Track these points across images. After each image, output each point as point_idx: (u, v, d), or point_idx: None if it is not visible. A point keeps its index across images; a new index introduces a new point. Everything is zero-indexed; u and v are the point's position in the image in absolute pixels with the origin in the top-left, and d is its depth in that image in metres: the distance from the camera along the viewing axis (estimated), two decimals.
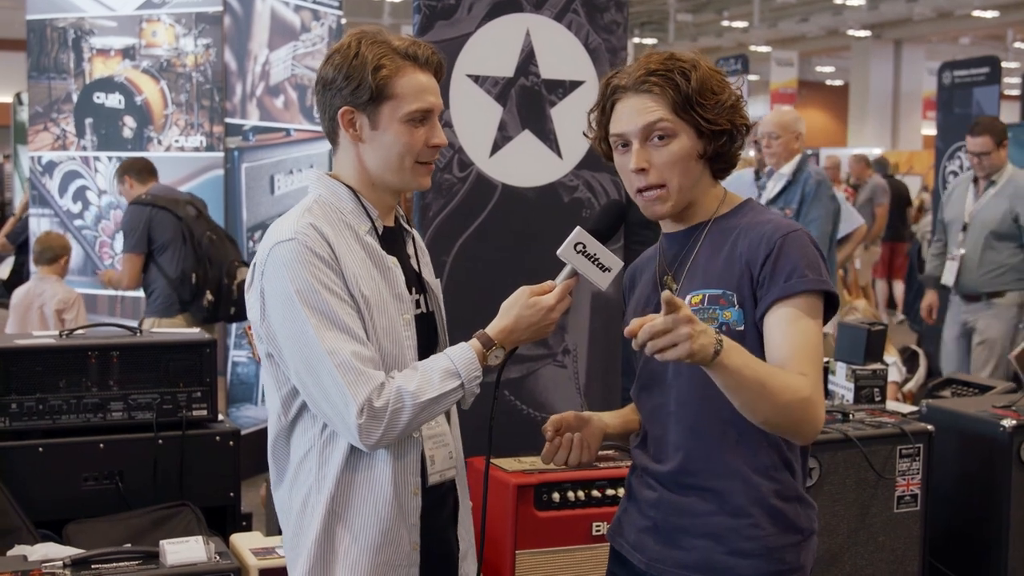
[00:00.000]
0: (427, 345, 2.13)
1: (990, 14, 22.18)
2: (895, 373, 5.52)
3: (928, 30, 24.66)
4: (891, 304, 12.34)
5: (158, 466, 3.28)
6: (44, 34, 6.44)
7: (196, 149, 6.11)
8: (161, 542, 2.66)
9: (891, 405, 3.81)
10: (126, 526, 3.16)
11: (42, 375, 3.22)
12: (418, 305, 2.15)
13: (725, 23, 26.37)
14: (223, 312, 5.44)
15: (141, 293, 5.70)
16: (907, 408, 3.89)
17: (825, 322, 1.99)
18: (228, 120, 6.05)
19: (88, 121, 6.36)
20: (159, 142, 6.19)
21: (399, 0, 23.27)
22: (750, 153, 8.20)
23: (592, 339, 3.74)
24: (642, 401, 2.13)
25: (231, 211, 6.09)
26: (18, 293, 6.28)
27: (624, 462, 3.18)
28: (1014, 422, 3.49)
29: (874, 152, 17.76)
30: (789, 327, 1.91)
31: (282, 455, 2.11)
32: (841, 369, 3.74)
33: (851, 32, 25.22)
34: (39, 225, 6.57)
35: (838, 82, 32.86)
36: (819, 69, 32.06)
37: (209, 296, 5.35)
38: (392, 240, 2.15)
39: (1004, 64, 10.40)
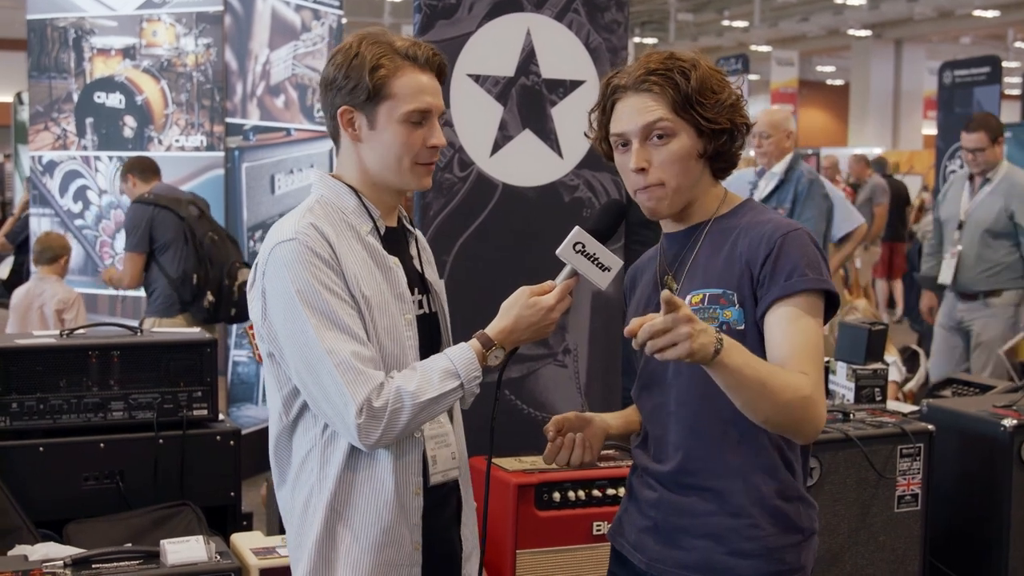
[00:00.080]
0: (430, 346, 2.12)
1: (991, 13, 22.18)
2: (895, 373, 5.51)
3: (929, 29, 24.67)
4: (891, 304, 12.34)
5: (159, 466, 3.28)
6: (45, 34, 6.44)
7: (196, 149, 6.11)
8: (162, 542, 2.66)
9: (892, 405, 3.80)
10: (127, 526, 3.16)
11: (43, 375, 3.22)
12: (420, 306, 2.15)
13: (726, 22, 26.38)
14: (223, 313, 5.44)
15: (141, 293, 5.70)
16: (908, 408, 3.88)
17: (825, 321, 1.98)
18: (229, 120, 6.06)
19: (89, 121, 6.36)
20: (159, 142, 6.19)
21: (400, 0, 23.27)
22: (750, 153, 8.20)
23: (592, 339, 3.74)
24: (642, 401, 2.13)
25: (231, 211, 6.09)
26: (18, 293, 6.28)
27: (625, 462, 3.18)
28: (1015, 422, 3.49)
29: (875, 152, 17.77)
30: (790, 326, 1.91)
31: (284, 455, 2.11)
32: (842, 369, 3.74)
33: (852, 32, 25.22)
34: (39, 225, 6.57)
35: (839, 82, 32.86)
36: (820, 69, 32.06)
37: (210, 297, 5.35)
38: (395, 240, 2.15)
39: (1005, 64, 10.40)
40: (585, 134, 2.14)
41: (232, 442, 3.39)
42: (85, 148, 6.38)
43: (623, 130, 2.01)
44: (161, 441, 3.29)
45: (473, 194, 3.57)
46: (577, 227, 2.03)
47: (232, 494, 3.42)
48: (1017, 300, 5.63)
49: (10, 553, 2.78)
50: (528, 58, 3.60)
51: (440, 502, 2.15)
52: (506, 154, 3.60)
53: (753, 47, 26.10)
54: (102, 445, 3.24)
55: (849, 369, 3.71)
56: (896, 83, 26.05)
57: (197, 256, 5.35)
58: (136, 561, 2.61)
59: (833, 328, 4.40)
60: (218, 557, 2.65)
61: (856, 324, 3.82)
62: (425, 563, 2.10)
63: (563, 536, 3.18)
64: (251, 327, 3.64)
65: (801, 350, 1.89)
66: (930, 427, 3.49)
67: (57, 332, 3.45)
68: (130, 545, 2.74)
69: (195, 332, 3.69)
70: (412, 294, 2.13)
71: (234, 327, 6.00)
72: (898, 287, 12.14)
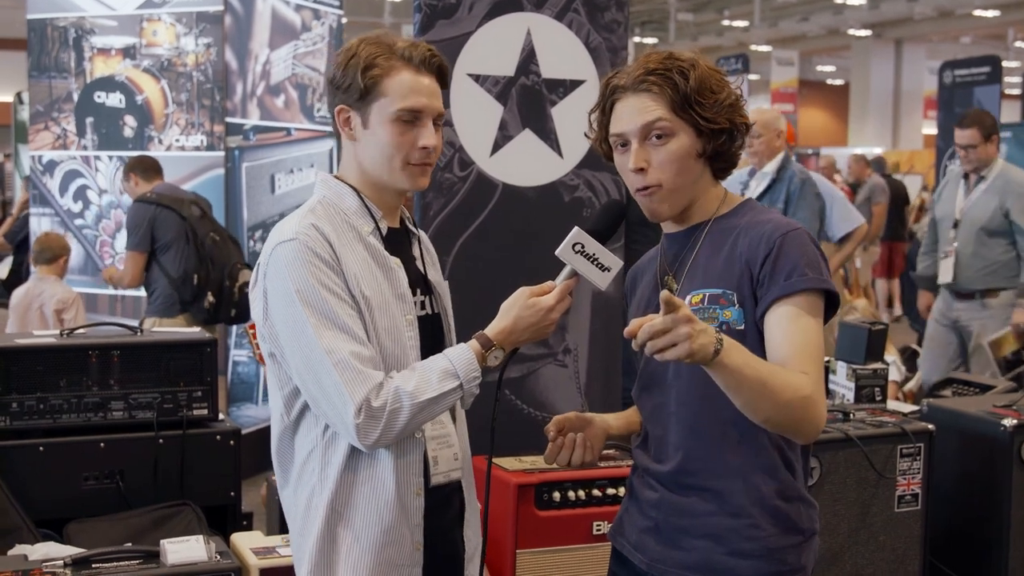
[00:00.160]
0: (432, 347, 2.12)
1: (991, 13, 22.17)
2: (895, 372, 5.51)
3: (929, 29, 24.66)
4: (892, 303, 12.34)
5: (159, 465, 3.28)
6: (45, 33, 6.44)
7: (197, 148, 6.11)
8: (162, 541, 2.66)
9: (892, 404, 3.80)
10: (126, 525, 3.16)
11: (43, 374, 3.21)
12: (423, 306, 2.15)
13: (726, 22, 26.37)
14: (224, 314, 5.44)
15: (141, 292, 5.70)
16: (908, 407, 3.89)
17: (826, 321, 1.98)
18: (229, 119, 6.06)
19: (89, 120, 6.36)
20: (160, 141, 6.20)
21: (400, 0, 23.26)
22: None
23: (593, 339, 3.74)
24: (643, 401, 2.13)
25: (232, 210, 6.09)
26: (17, 293, 6.28)
27: (625, 461, 3.18)
28: (1015, 421, 3.49)
29: (875, 151, 17.77)
30: (790, 325, 1.91)
31: (286, 455, 2.11)
32: (842, 368, 3.74)
33: (852, 31, 25.22)
34: (39, 224, 6.57)
35: (839, 81, 32.85)
36: (820, 68, 32.06)
37: (210, 298, 5.35)
38: (397, 241, 2.15)
39: (1005, 63, 10.41)
40: (585, 135, 2.14)
41: (232, 442, 3.39)
42: (85, 148, 6.38)
43: (622, 130, 2.01)
44: (161, 441, 3.29)
45: (473, 194, 3.57)
46: (576, 227, 2.03)
47: (232, 494, 3.42)
48: (1014, 299, 5.61)
49: (10, 553, 2.78)
50: (528, 58, 3.60)
51: (442, 502, 2.15)
52: (506, 154, 3.60)
53: (753, 47, 26.09)
54: (102, 445, 3.24)
55: (849, 369, 3.71)
56: (896, 83, 26.05)
57: (198, 256, 5.35)
58: (136, 561, 2.61)
59: (833, 328, 4.40)
60: (218, 557, 2.65)
61: (856, 324, 3.82)
62: (427, 563, 2.10)
63: (563, 536, 3.17)
64: (251, 327, 3.64)
65: (801, 350, 1.89)
66: (930, 427, 3.49)
67: (57, 332, 3.45)
68: (130, 545, 2.74)
69: (195, 332, 3.69)
70: (414, 295, 2.12)
71: (234, 327, 6.00)
72: (896, 286, 12.15)
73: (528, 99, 3.61)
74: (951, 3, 21.96)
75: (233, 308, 5.41)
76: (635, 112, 1.99)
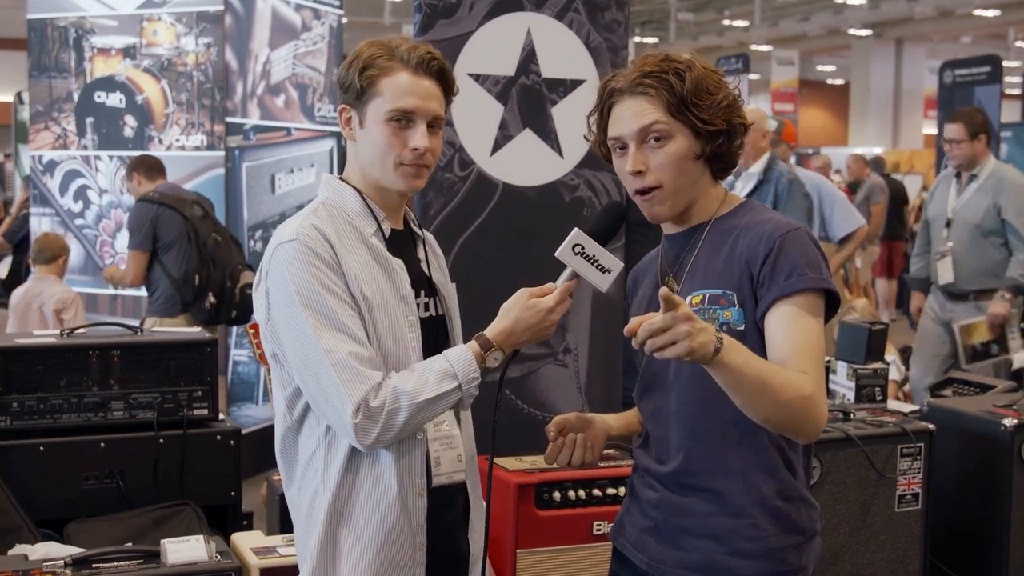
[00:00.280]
0: (436, 348, 2.11)
1: (991, 13, 22.16)
2: (895, 372, 5.50)
3: (929, 29, 24.65)
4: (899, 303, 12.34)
5: (159, 465, 3.28)
6: (45, 33, 6.44)
7: (197, 148, 6.11)
8: (162, 541, 2.66)
9: (892, 404, 3.80)
10: (127, 525, 3.16)
11: (43, 374, 3.21)
12: (426, 308, 2.15)
13: (726, 22, 26.36)
14: (224, 315, 5.44)
15: (142, 292, 5.70)
16: (908, 407, 3.89)
17: (826, 321, 1.98)
18: (229, 119, 6.06)
19: (89, 120, 6.36)
20: (160, 141, 6.20)
21: (400, 0, 23.26)
22: None
23: (593, 338, 3.74)
24: (644, 402, 2.13)
25: (232, 210, 6.09)
26: (17, 293, 6.29)
27: (625, 461, 3.18)
28: (1015, 421, 3.49)
29: (875, 151, 17.77)
30: (790, 325, 1.91)
31: (290, 455, 2.12)
32: (842, 368, 3.74)
33: (852, 31, 25.20)
34: (40, 224, 6.57)
35: (839, 81, 32.85)
36: (820, 68, 32.05)
37: (211, 298, 5.34)
38: (401, 243, 2.15)
39: (1005, 63, 10.42)
40: (585, 137, 2.14)
41: (232, 442, 3.39)
42: (85, 148, 6.38)
43: (619, 133, 2.02)
44: (161, 441, 3.29)
45: (473, 194, 3.57)
46: (576, 229, 2.02)
47: (232, 494, 3.42)
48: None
49: (10, 552, 2.78)
50: (528, 57, 3.60)
51: (446, 503, 2.15)
52: (506, 154, 3.60)
53: (753, 47, 26.09)
54: (102, 445, 3.24)
55: (849, 368, 3.71)
56: (896, 82, 26.03)
57: (200, 257, 5.35)
58: (136, 561, 2.61)
59: (833, 328, 4.40)
60: (218, 557, 2.65)
61: (856, 323, 3.82)
62: (430, 564, 2.10)
63: (563, 536, 3.17)
64: (251, 327, 3.64)
65: (802, 349, 1.89)
66: (930, 426, 3.49)
67: (57, 332, 3.45)
68: (130, 545, 2.74)
69: (195, 332, 3.69)
70: (418, 296, 2.12)
71: (235, 327, 6.00)
72: (893, 286, 12.15)
73: (528, 99, 3.61)
74: (951, 3, 21.94)
75: (234, 309, 5.41)
76: (632, 115, 2.00)
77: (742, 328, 1.95)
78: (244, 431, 3.60)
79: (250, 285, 5.17)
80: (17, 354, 3.21)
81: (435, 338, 2.15)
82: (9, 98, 12.49)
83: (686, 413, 2.02)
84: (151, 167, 5.63)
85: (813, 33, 25.68)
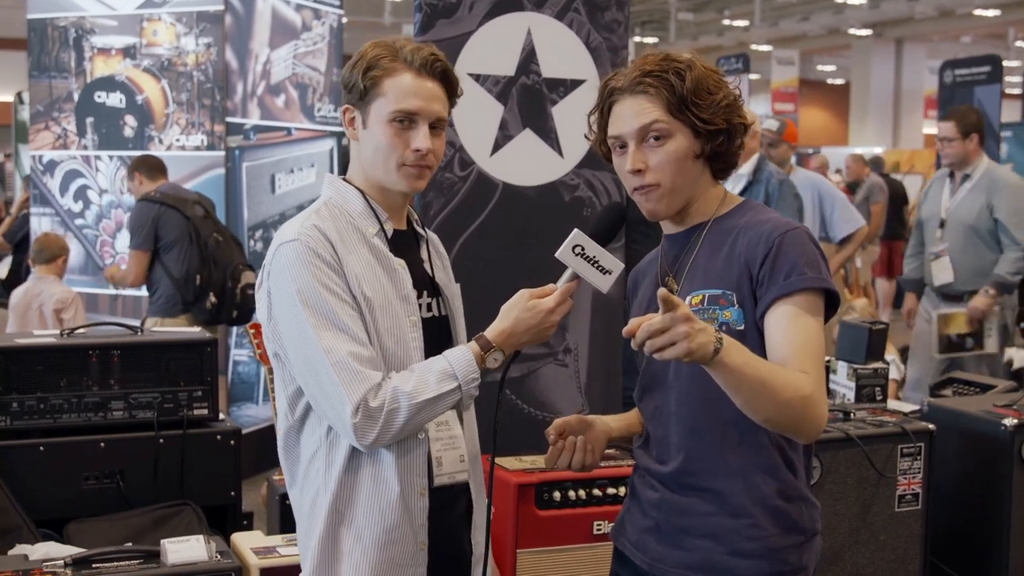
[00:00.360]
0: (439, 349, 2.10)
1: (991, 13, 22.15)
2: (895, 372, 5.50)
3: (929, 29, 24.64)
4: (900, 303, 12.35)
5: (159, 465, 3.28)
6: (45, 33, 6.44)
7: (197, 148, 6.11)
8: (162, 541, 2.66)
9: (892, 404, 3.80)
10: (127, 525, 3.16)
11: (43, 374, 3.22)
12: (429, 308, 2.15)
13: (726, 22, 26.35)
14: (225, 315, 5.44)
15: (142, 292, 5.71)
16: (908, 407, 3.88)
17: (826, 321, 1.98)
18: (229, 119, 6.06)
19: (89, 120, 6.36)
20: (160, 141, 6.20)
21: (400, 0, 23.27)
22: None
23: (593, 338, 3.74)
24: (644, 402, 2.13)
25: (232, 210, 6.09)
26: (17, 293, 6.28)
27: (625, 461, 3.18)
28: (1015, 421, 3.49)
29: (875, 151, 17.77)
30: (790, 325, 1.91)
31: (292, 455, 2.12)
32: (842, 368, 3.74)
33: (852, 31, 25.20)
34: (40, 224, 6.57)
35: (839, 81, 32.84)
36: (820, 68, 32.04)
37: (212, 298, 5.34)
38: (403, 243, 2.16)
39: (1005, 63, 10.42)
40: (585, 136, 2.15)
41: (232, 442, 3.39)
42: (85, 147, 6.38)
43: (619, 132, 2.02)
44: (161, 441, 3.29)
45: (473, 194, 3.57)
46: (576, 230, 2.02)
47: (232, 494, 3.42)
48: (1001, 302, 5.56)
49: (10, 552, 2.78)
50: (528, 57, 3.60)
51: (448, 503, 2.14)
52: (506, 153, 3.60)
53: (753, 46, 26.08)
54: (102, 445, 3.24)
55: (849, 368, 3.71)
56: (897, 82, 26.02)
57: (201, 257, 5.35)
58: (136, 561, 2.61)
59: (833, 328, 4.40)
60: (218, 556, 2.65)
61: (856, 323, 3.82)
62: (431, 563, 2.10)
63: (563, 536, 3.17)
64: (252, 326, 3.64)
65: (801, 349, 1.89)
66: (931, 426, 3.49)
67: (57, 332, 3.45)
68: (130, 545, 2.74)
69: (195, 331, 3.69)
70: (420, 297, 2.12)
71: (235, 327, 6.00)
72: (893, 286, 12.16)
73: (528, 99, 3.61)
74: (951, 3, 21.94)
75: (235, 309, 5.41)
76: (632, 114, 2.00)
77: (742, 328, 1.95)
78: (244, 431, 3.61)
79: (251, 285, 5.18)
80: (17, 354, 3.21)
81: (437, 338, 2.15)
82: (9, 98, 12.49)
83: (686, 413, 2.02)
84: (152, 167, 5.63)
85: (813, 33, 25.67)
